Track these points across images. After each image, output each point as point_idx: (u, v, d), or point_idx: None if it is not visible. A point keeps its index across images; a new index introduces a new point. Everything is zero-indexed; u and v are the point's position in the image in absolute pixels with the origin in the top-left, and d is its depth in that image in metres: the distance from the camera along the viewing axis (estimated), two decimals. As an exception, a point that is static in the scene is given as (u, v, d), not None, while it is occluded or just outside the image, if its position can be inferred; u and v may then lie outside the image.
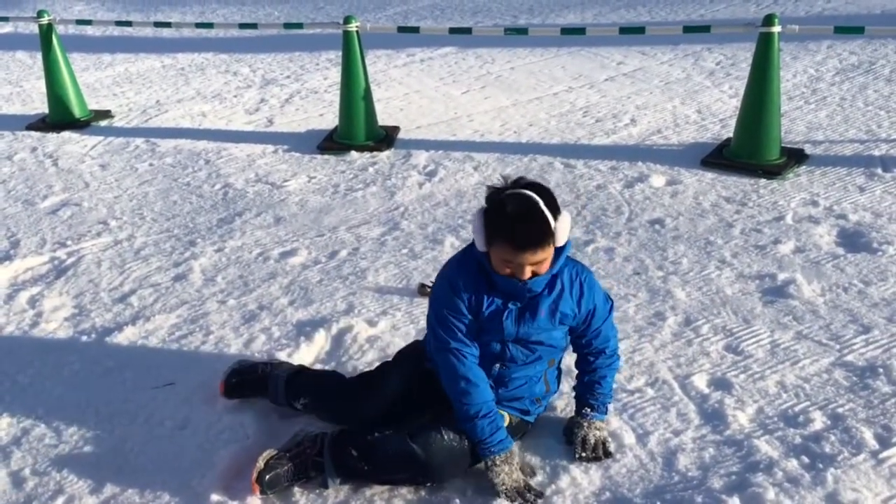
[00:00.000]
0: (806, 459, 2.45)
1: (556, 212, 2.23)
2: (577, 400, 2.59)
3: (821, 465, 2.42)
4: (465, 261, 2.41)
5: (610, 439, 2.55)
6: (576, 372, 2.63)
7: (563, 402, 2.76)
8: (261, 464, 2.38)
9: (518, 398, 2.51)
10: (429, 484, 2.37)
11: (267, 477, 2.36)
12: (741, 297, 3.33)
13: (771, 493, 2.31)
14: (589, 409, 2.54)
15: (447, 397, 2.44)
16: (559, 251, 2.31)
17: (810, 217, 3.99)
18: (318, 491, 2.42)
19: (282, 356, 3.02)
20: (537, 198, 2.20)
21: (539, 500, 2.34)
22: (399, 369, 2.63)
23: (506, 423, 2.47)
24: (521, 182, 2.27)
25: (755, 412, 2.67)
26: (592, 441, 2.49)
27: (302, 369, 2.80)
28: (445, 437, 2.36)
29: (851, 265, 3.54)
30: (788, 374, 2.85)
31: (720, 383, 2.82)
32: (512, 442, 2.39)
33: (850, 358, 2.92)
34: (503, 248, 2.23)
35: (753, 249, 3.71)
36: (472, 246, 2.39)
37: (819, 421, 2.61)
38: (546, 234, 2.21)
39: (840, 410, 2.65)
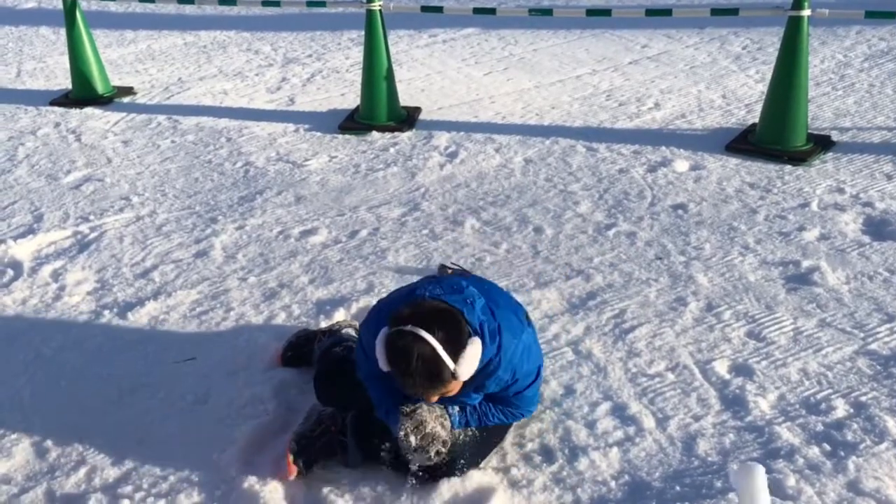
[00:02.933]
0: (827, 447, 2.43)
1: (459, 348, 2.09)
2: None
3: (842, 453, 2.40)
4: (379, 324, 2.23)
5: (444, 449, 2.29)
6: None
7: (583, 385, 2.76)
8: (294, 445, 2.39)
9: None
10: (450, 478, 2.35)
11: (303, 458, 2.38)
12: (764, 284, 3.30)
13: (791, 480, 2.30)
14: (456, 408, 2.35)
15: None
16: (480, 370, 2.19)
17: (836, 204, 3.94)
18: (336, 467, 2.44)
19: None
20: (434, 343, 2.05)
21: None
22: None
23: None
24: (419, 312, 2.10)
25: (777, 399, 2.65)
26: (427, 429, 2.25)
27: (332, 346, 2.78)
28: (460, 435, 2.36)
29: (877, 253, 3.49)
30: (811, 361, 2.82)
31: (741, 369, 2.80)
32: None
33: (873, 346, 2.89)
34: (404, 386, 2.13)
35: (777, 236, 3.67)
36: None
37: (841, 409, 2.59)
38: (443, 381, 2.09)
39: (863, 399, 2.63)
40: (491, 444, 2.45)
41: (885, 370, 2.76)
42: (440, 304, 2.17)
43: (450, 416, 2.32)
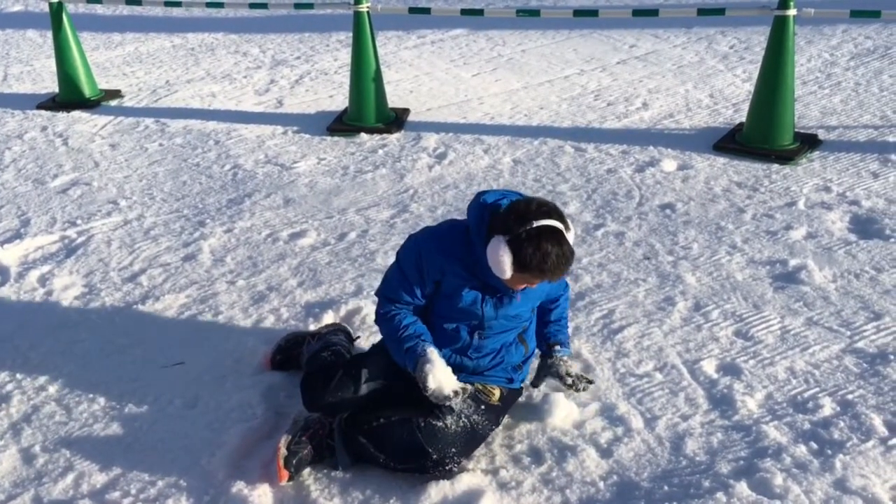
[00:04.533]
0: (815, 445, 2.44)
1: (570, 236, 2.25)
2: (546, 341, 2.65)
3: (829, 452, 2.41)
4: (451, 239, 2.38)
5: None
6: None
7: (572, 386, 2.76)
8: (284, 450, 2.38)
9: (499, 365, 2.51)
10: (442, 469, 2.36)
11: (294, 461, 2.37)
12: (752, 283, 3.32)
13: (779, 479, 2.31)
14: (559, 347, 2.63)
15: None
16: None
17: (823, 203, 3.96)
18: (325, 470, 2.44)
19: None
20: (564, 229, 2.20)
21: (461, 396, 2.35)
22: (374, 361, 2.55)
23: (496, 397, 2.49)
24: (543, 210, 2.20)
25: (764, 398, 2.66)
26: (574, 374, 2.61)
27: (319, 351, 2.77)
28: (451, 425, 2.36)
29: (864, 251, 3.51)
30: (798, 360, 2.84)
31: (729, 368, 2.81)
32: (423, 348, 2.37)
33: (860, 345, 2.91)
34: (535, 278, 2.24)
35: (765, 235, 3.69)
36: (454, 225, 2.41)
37: (828, 407, 2.60)
38: (572, 263, 2.25)
39: (850, 397, 2.65)
40: (482, 435, 2.45)
41: (871, 368, 2.78)
42: (543, 200, 2.28)
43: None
